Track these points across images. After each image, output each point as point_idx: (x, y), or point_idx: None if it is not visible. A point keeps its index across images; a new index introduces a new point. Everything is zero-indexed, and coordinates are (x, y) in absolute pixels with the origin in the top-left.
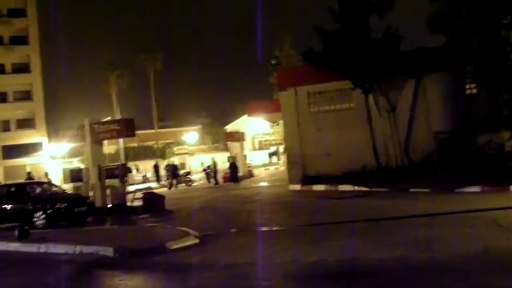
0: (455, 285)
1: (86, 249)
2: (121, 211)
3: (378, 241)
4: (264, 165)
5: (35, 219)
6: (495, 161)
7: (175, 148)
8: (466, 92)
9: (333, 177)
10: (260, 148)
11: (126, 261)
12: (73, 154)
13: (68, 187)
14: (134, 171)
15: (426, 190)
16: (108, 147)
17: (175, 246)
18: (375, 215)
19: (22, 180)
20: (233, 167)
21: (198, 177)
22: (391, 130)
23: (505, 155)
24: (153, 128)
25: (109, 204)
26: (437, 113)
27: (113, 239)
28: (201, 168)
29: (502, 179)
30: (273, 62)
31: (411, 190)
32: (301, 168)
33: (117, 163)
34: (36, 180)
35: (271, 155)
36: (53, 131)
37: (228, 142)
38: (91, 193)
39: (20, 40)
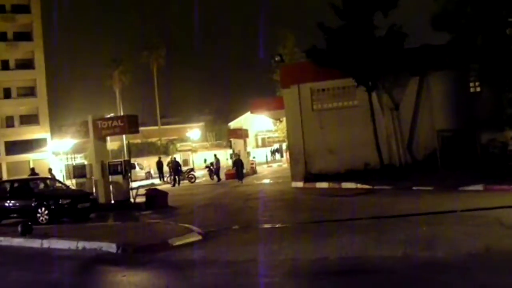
0: (457, 283)
1: (89, 245)
2: (124, 207)
3: (381, 239)
4: (267, 162)
5: (38, 215)
6: (499, 159)
7: (178, 145)
8: (470, 90)
9: (336, 174)
10: (263, 145)
11: (129, 257)
12: (77, 150)
13: (71, 183)
14: (137, 168)
15: (429, 188)
16: (112, 143)
17: (178, 243)
18: (377, 212)
19: (25, 176)
20: (238, 164)
21: (201, 173)
22: (394, 128)
23: (509, 153)
24: (156, 125)
25: (112, 200)
26: (440, 111)
27: (116, 235)
28: (204, 165)
29: (506, 178)
30: (276, 59)
31: (414, 188)
32: (304, 165)
33: (120, 160)
34: (39, 176)
35: (274, 152)
36: (56, 127)
37: (231, 139)
38: (94, 189)
39: (23, 36)
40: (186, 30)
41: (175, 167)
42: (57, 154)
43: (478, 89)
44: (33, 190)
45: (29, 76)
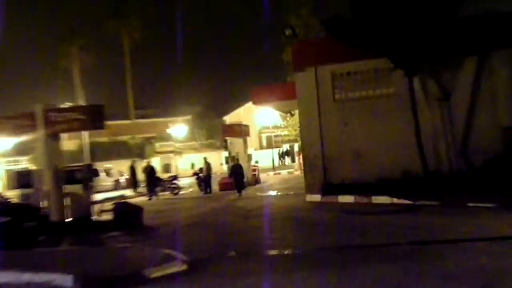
0: None
1: (37, 277)
2: (85, 227)
3: (424, 273)
4: (274, 169)
5: None
6: None
7: (157, 145)
8: None
9: (364, 185)
10: (269, 146)
11: None
12: (21, 151)
13: (13, 195)
14: (103, 174)
15: (490, 205)
16: (69, 143)
17: (156, 274)
18: (421, 237)
19: None
20: (237, 170)
21: (187, 182)
22: (444, 125)
23: None
24: (128, 118)
25: (68, 217)
26: (507, 102)
27: (73, 265)
28: (191, 171)
29: None
30: (286, 32)
31: (470, 204)
32: (323, 173)
33: (81, 164)
34: None
35: (283, 155)
36: None
37: (227, 138)
38: (44, 203)
39: None
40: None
41: (149, 174)
42: None
43: None
44: None
45: None
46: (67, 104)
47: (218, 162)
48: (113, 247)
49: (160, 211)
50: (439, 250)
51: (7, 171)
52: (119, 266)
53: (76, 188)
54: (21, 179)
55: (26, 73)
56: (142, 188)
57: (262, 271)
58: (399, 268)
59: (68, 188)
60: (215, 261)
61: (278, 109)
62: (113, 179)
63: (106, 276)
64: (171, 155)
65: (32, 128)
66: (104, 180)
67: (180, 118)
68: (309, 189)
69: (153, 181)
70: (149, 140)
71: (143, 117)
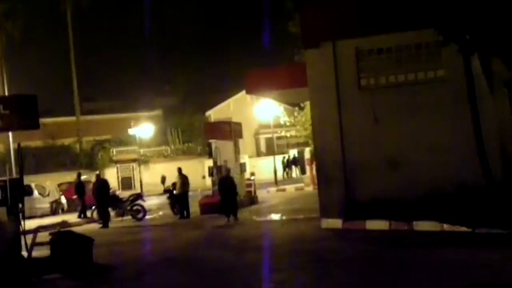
0: None
1: None
2: (10, 267)
3: None
4: (277, 183)
5: None
6: None
7: (114, 151)
8: None
9: (404, 204)
10: (270, 152)
11: None
12: None
13: None
14: (36, 193)
15: None
16: None
17: None
18: (484, 278)
19: None
20: (227, 185)
21: (156, 202)
22: None
23: None
24: (73, 114)
25: None
26: None
27: None
28: (161, 188)
29: None
30: None
31: None
32: (344, 188)
33: (4, 178)
34: None
35: (289, 164)
36: None
37: (212, 141)
38: None
39: None
40: None
41: (100, 191)
42: None
43: None
44: None
45: None
46: None
47: (200, 174)
48: None
49: (117, 244)
50: None
51: None
52: None
53: None
54: None
55: None
56: (93, 212)
57: None
58: None
59: None
60: None
61: (281, 100)
62: (50, 199)
63: None
64: (133, 165)
65: None
66: (38, 200)
67: (146, 114)
68: (325, 212)
69: (107, 201)
70: (101, 144)
71: (94, 112)
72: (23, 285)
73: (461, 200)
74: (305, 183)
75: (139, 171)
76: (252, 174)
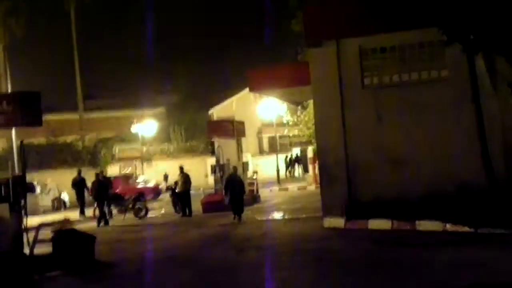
0: None
1: None
2: (12, 264)
3: None
4: (279, 182)
5: None
6: None
7: (116, 148)
8: None
9: (406, 204)
10: (273, 151)
11: None
12: None
13: None
14: (38, 190)
15: None
16: None
17: None
18: (487, 278)
19: None
20: (234, 184)
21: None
22: None
23: None
24: (76, 112)
25: None
26: None
27: None
28: (163, 185)
29: None
30: None
31: None
32: (347, 187)
33: (6, 176)
34: None
35: (292, 163)
36: None
37: (215, 139)
38: None
39: None
40: None
41: (100, 189)
42: None
43: None
44: None
45: None
46: None
47: (202, 172)
48: None
49: (119, 241)
50: None
51: None
52: None
53: (1, 210)
54: None
55: None
56: (94, 210)
57: None
58: None
59: None
60: None
61: (284, 99)
62: (52, 196)
63: None
64: (136, 162)
65: None
66: (40, 198)
67: (149, 111)
68: (328, 211)
69: (107, 198)
70: (104, 142)
71: (96, 109)
72: (25, 282)
73: (464, 200)
74: (307, 182)
75: (142, 169)
76: (255, 173)
